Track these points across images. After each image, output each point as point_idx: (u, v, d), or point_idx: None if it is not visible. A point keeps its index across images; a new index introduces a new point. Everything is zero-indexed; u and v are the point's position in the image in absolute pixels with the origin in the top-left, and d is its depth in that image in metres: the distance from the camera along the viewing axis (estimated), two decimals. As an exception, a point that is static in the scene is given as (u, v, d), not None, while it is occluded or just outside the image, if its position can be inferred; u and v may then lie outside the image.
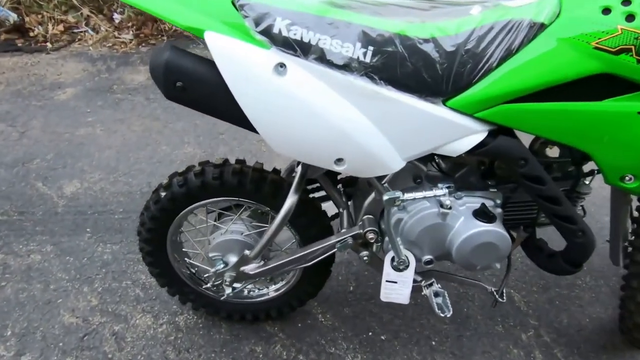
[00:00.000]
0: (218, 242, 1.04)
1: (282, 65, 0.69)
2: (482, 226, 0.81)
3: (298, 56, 0.68)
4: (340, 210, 1.01)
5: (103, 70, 2.62)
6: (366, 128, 0.73)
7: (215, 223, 1.06)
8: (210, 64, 0.70)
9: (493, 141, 0.75)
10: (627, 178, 0.75)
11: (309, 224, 1.01)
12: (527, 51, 0.67)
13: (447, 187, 0.85)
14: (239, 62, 0.68)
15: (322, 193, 1.05)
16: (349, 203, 1.03)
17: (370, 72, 0.69)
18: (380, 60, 0.69)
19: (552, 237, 1.00)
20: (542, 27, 0.67)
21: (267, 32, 0.67)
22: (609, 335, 1.26)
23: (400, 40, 0.68)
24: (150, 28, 3.03)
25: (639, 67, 0.64)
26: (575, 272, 0.91)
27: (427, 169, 0.90)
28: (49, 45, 2.83)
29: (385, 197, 0.79)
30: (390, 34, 0.68)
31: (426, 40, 0.68)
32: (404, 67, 0.69)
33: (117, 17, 3.03)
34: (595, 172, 0.87)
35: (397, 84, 0.70)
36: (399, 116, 0.73)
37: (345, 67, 0.69)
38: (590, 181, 0.91)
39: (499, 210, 0.87)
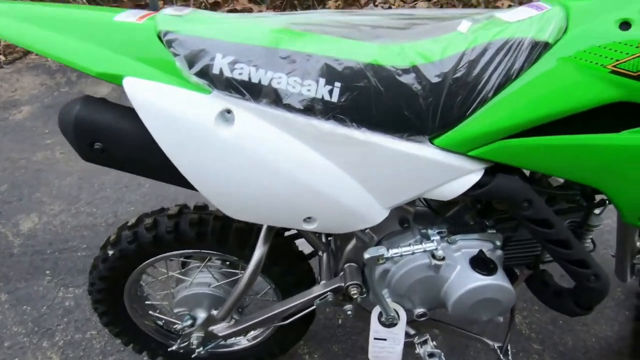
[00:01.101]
0: (183, 296, 0.91)
1: (228, 111, 0.55)
2: (481, 280, 0.69)
3: (247, 100, 0.55)
4: (320, 253, 0.89)
5: (63, 83, 2.42)
6: (337, 179, 0.60)
7: (177, 275, 0.93)
8: (137, 115, 0.56)
9: (491, 181, 0.63)
10: None
11: (285, 272, 0.88)
12: (529, 77, 0.55)
13: (439, 233, 0.72)
14: (171, 113, 0.54)
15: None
16: (330, 244, 0.90)
17: (338, 113, 0.56)
18: (350, 98, 0.55)
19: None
20: (547, 46, 0.54)
21: (204, 74, 0.53)
22: (617, 357, 1.18)
23: (373, 72, 0.55)
24: (113, 33, 2.83)
25: None
26: (585, 314, 0.80)
27: (416, 206, 0.77)
28: (1, 57, 2.61)
29: (366, 256, 0.67)
30: (361, 65, 0.55)
31: (405, 70, 0.55)
32: (380, 105, 0.56)
33: (75, 23, 2.81)
34: (607, 202, 0.76)
35: (372, 125, 0.57)
36: (377, 162, 0.60)
37: (308, 110, 0.56)
38: (602, 212, 0.79)
39: (499, 252, 0.76)
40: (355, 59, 0.55)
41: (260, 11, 2.95)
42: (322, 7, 3.07)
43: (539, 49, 0.54)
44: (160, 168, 0.57)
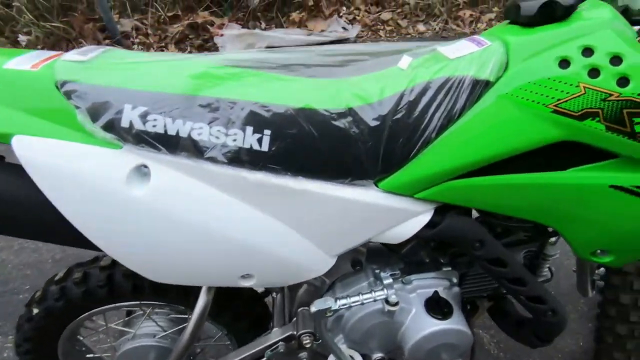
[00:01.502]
0: (125, 350, 0.83)
1: (144, 166, 0.49)
2: (437, 325, 0.66)
3: (165, 154, 0.49)
4: (274, 295, 0.83)
5: None
6: (274, 232, 0.55)
7: (114, 326, 0.85)
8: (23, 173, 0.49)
9: (441, 220, 0.60)
10: (599, 252, 0.62)
11: (236, 316, 0.82)
12: (472, 117, 0.52)
13: (392, 275, 0.68)
14: (75, 175, 0.47)
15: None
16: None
17: (270, 163, 0.51)
18: (282, 146, 0.51)
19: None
20: (488, 85, 0.52)
21: (111, 127, 0.47)
22: (582, 372, 1.18)
23: (306, 118, 0.50)
24: (65, 48, 2.67)
25: (608, 134, 0.50)
26: (545, 346, 0.79)
27: (370, 243, 0.73)
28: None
29: (312, 309, 0.62)
30: (292, 110, 0.50)
31: (341, 114, 0.51)
32: (315, 151, 0.52)
33: (22, 39, 2.64)
34: None
35: (309, 172, 0.53)
36: (317, 210, 0.55)
37: (235, 162, 0.50)
38: (557, 241, 0.78)
39: (456, 289, 0.72)
40: (285, 103, 0.50)
41: (223, 24, 2.88)
42: (286, 19, 3.03)
43: (480, 88, 0.52)
44: (63, 231, 0.50)
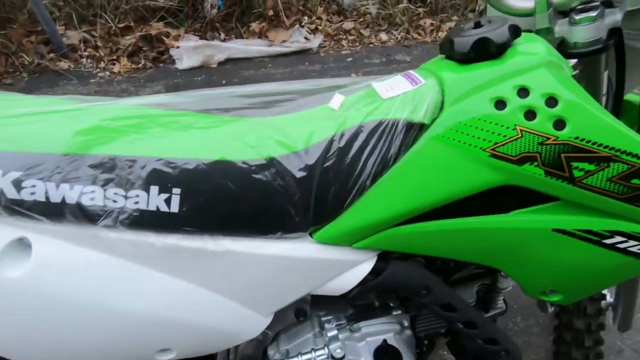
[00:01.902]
0: None
1: (23, 239, 0.41)
2: None
3: (49, 224, 0.41)
4: None
5: None
6: (194, 299, 0.48)
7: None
8: None
9: (385, 268, 0.55)
10: (548, 291, 0.60)
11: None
12: (407, 162, 0.48)
13: (338, 325, 0.63)
14: None
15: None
16: None
17: (182, 225, 0.44)
18: (195, 206, 0.43)
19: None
20: (423, 127, 0.48)
21: None
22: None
23: (221, 172, 0.44)
24: (4, 64, 2.47)
25: (548, 179, 0.46)
26: None
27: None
28: None
29: None
30: (204, 164, 0.43)
31: (262, 166, 0.45)
32: (236, 208, 0.45)
33: (-47, 55, 2.42)
34: None
35: (230, 231, 0.46)
36: (244, 271, 0.49)
37: (138, 226, 0.43)
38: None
39: (408, 332, 0.68)
40: (196, 157, 0.43)
41: (179, 35, 2.77)
42: (246, 29, 2.95)
43: (414, 131, 0.48)
44: None
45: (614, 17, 0.52)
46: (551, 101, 0.45)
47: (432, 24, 3.29)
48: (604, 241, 0.49)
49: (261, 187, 0.45)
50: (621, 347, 1.23)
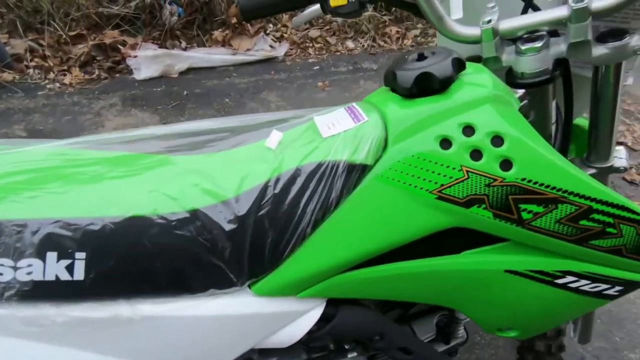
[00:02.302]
0: None
1: None
2: None
3: None
4: None
5: None
6: None
7: None
8: None
9: (334, 314, 0.51)
10: (504, 328, 0.57)
11: None
12: (350, 206, 0.45)
13: None
14: None
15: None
16: None
17: (89, 294, 0.36)
18: (104, 270, 0.36)
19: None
20: (365, 169, 0.46)
21: None
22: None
23: (136, 230, 0.37)
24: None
25: (497, 222, 0.44)
26: None
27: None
28: None
29: None
30: (112, 223, 0.36)
31: (184, 221, 0.39)
32: (155, 268, 0.39)
33: None
34: None
35: (150, 294, 0.40)
36: (170, 334, 0.43)
37: (32, 299, 0.35)
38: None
39: None
40: (104, 214, 0.36)
41: (136, 44, 2.62)
42: (209, 37, 2.85)
43: (357, 173, 0.45)
44: None
45: (559, 47, 0.50)
46: (497, 140, 0.43)
47: (397, 32, 3.31)
48: (556, 281, 0.47)
49: (184, 243, 0.39)
50: (582, 354, 1.23)
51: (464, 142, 0.43)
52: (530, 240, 0.45)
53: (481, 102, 0.45)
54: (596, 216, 0.43)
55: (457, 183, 0.43)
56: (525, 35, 0.51)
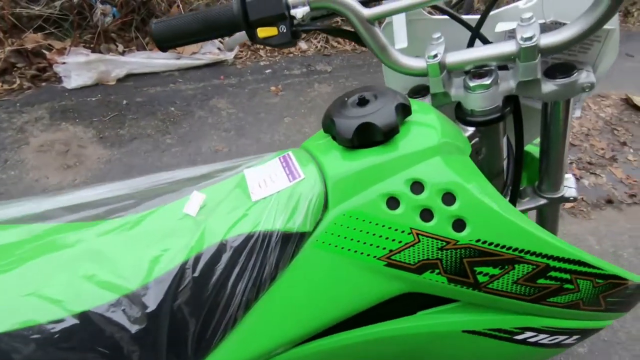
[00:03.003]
0: None
1: None
2: None
3: None
4: None
5: None
6: None
7: None
8: None
9: None
10: None
11: None
12: (288, 280, 0.40)
13: None
14: None
15: None
16: None
17: None
18: None
19: None
20: (304, 237, 0.41)
21: None
22: None
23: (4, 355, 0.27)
24: None
25: (451, 286, 0.42)
26: None
27: None
28: None
29: None
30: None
31: (70, 330, 0.31)
32: None
33: None
34: None
35: None
36: None
37: None
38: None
39: None
40: None
41: (64, 48, 2.35)
42: (149, 39, 2.62)
43: (294, 242, 0.40)
44: None
45: (509, 84, 0.48)
46: (448, 197, 0.40)
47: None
48: (515, 337, 0.47)
49: (71, 354, 0.31)
50: None
51: (413, 200, 0.40)
52: (486, 301, 0.44)
53: (430, 153, 0.41)
54: (553, 274, 0.42)
55: (407, 248, 0.40)
56: (473, 69, 0.49)
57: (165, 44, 0.48)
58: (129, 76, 2.46)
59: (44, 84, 2.32)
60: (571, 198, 0.62)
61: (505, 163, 0.59)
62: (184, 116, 2.26)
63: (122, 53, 2.53)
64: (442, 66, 0.47)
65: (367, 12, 0.45)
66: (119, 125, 2.15)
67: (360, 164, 0.41)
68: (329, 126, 0.45)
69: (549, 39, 0.43)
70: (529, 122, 0.59)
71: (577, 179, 2.04)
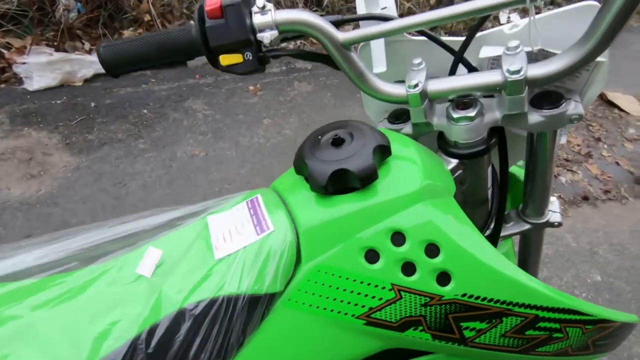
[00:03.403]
0: None
1: None
2: None
3: None
4: None
5: None
6: None
7: None
8: None
9: None
10: None
11: None
12: (257, 345, 0.36)
13: None
14: None
15: None
16: None
17: None
18: None
19: None
20: (274, 297, 0.37)
21: None
22: None
23: None
24: None
25: (436, 343, 0.39)
26: None
27: None
28: None
29: None
30: None
31: None
32: None
33: None
34: None
35: None
36: None
37: None
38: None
39: None
40: None
41: (25, 46, 2.19)
42: (118, 36, 2.48)
43: (263, 305, 0.36)
44: None
45: (494, 115, 0.45)
46: (432, 249, 0.37)
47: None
48: None
49: None
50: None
51: (394, 253, 0.37)
52: (473, 356, 0.41)
53: (411, 200, 0.38)
54: (542, 324, 0.40)
55: (388, 305, 0.37)
56: (457, 98, 0.45)
57: (115, 70, 0.42)
58: (97, 76, 2.32)
59: (2, 85, 2.16)
60: (556, 223, 0.61)
61: (490, 191, 0.57)
62: (158, 119, 2.15)
63: (89, 51, 2.38)
64: (423, 95, 0.44)
65: (342, 36, 0.41)
66: (87, 129, 2.02)
67: (335, 212, 0.38)
68: (301, 168, 0.41)
69: (536, 71, 0.40)
70: (514, 148, 0.57)
71: (555, 177, 2.07)
